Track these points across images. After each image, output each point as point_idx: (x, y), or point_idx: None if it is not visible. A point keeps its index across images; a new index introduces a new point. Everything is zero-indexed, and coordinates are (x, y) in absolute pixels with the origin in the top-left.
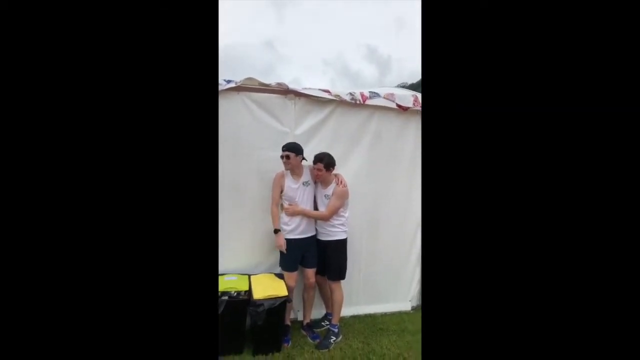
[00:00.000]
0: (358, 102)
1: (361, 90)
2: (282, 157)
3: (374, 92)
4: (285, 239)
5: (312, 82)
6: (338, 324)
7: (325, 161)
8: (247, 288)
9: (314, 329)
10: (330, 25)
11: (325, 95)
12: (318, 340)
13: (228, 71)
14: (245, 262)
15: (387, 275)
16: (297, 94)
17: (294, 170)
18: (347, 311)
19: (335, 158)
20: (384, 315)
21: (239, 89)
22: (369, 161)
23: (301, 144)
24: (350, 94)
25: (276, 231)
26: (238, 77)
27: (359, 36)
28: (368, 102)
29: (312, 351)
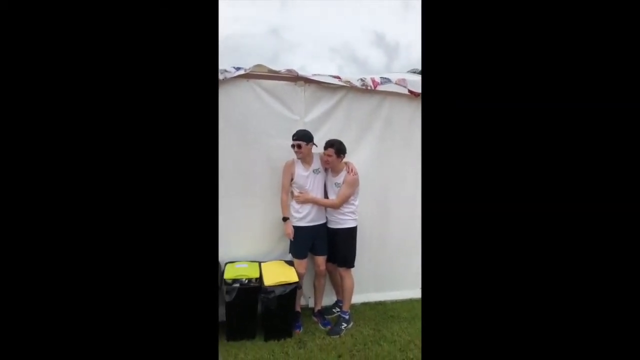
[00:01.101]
0: (369, 88)
1: (372, 76)
2: (293, 146)
3: (385, 78)
4: (296, 226)
5: (319, 70)
6: (349, 310)
7: (336, 147)
8: (258, 275)
9: (325, 316)
10: (335, 11)
11: (336, 81)
12: (329, 327)
13: (234, 59)
14: (256, 250)
15: (397, 262)
16: (307, 81)
17: (305, 158)
18: (357, 298)
19: (346, 145)
20: (395, 302)
21: (248, 76)
22: (380, 148)
23: (311, 131)
24: (361, 79)
25: (285, 219)
26: (245, 65)
27: (365, 22)
28: (379, 88)
29: (324, 337)
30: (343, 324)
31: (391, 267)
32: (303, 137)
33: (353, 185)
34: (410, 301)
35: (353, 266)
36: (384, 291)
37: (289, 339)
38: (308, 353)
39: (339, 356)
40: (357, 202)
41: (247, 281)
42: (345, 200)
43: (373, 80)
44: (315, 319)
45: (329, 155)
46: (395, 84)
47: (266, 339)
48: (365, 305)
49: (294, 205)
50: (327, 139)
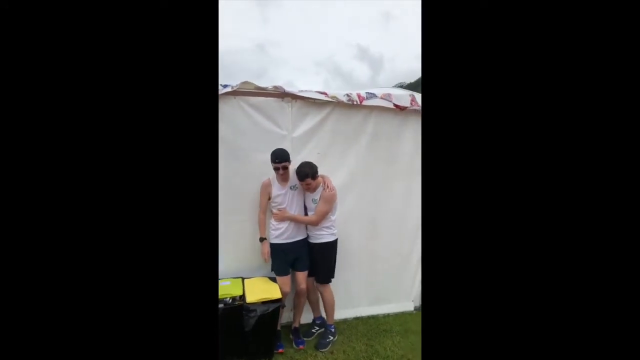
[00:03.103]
0: (355, 102)
1: (357, 91)
2: (277, 168)
3: (371, 93)
4: (275, 243)
5: (305, 84)
6: (333, 323)
7: (311, 174)
8: (241, 292)
9: (304, 336)
10: (318, 25)
11: (322, 97)
12: (302, 346)
13: (222, 76)
14: (244, 266)
15: (388, 276)
16: (294, 97)
17: (282, 177)
18: (349, 313)
19: (334, 159)
20: (387, 316)
21: (236, 93)
22: (367, 161)
23: (299, 146)
24: (347, 95)
25: (262, 239)
26: (232, 82)
27: (348, 36)
28: (365, 102)
29: (315, 354)
30: (329, 337)
31: (382, 280)
32: (287, 158)
33: (330, 201)
34: (403, 314)
35: (331, 280)
36: (376, 305)
37: (280, 357)
38: None
39: None
40: (334, 217)
41: (230, 300)
42: (323, 217)
43: (359, 95)
44: (291, 336)
45: (308, 184)
46: (381, 98)
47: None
48: (358, 319)
49: (273, 222)
50: (314, 154)
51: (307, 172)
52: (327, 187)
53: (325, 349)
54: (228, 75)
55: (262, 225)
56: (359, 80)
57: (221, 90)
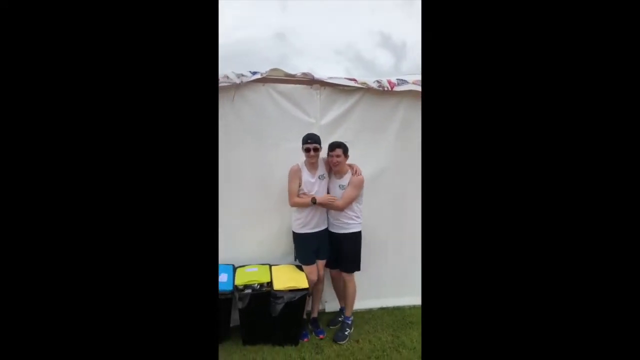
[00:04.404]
0: (386, 89)
1: (388, 78)
2: (308, 149)
3: (402, 80)
4: (301, 233)
5: (327, 73)
6: (352, 316)
7: (343, 147)
8: (269, 279)
9: (330, 325)
10: (337, 13)
11: (352, 83)
12: (322, 336)
13: (240, 65)
14: (270, 253)
15: (414, 267)
16: (323, 84)
17: (312, 164)
18: (375, 303)
19: (362, 147)
20: (413, 307)
21: (264, 80)
22: (396, 151)
23: (327, 134)
24: (377, 81)
25: (314, 200)
26: (257, 70)
27: (370, 23)
28: (396, 88)
29: (341, 343)
30: (347, 329)
31: (408, 271)
32: (319, 141)
33: (358, 187)
34: None
35: (359, 270)
36: (402, 296)
37: (306, 343)
38: (325, 359)
39: None
40: (361, 206)
41: (258, 286)
42: (350, 202)
43: (389, 82)
44: (310, 326)
45: (338, 156)
46: (413, 83)
47: (273, 345)
48: (383, 310)
49: (295, 213)
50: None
51: (340, 143)
52: (356, 172)
53: (343, 342)
54: (248, 64)
55: (301, 202)
56: (381, 68)
57: (250, 77)
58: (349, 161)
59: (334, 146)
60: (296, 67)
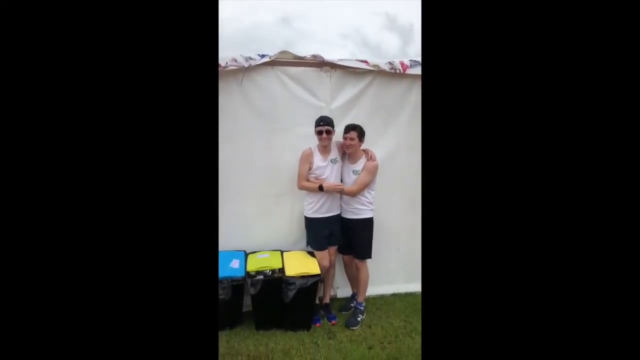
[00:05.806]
0: (398, 71)
1: (401, 59)
2: (320, 132)
3: (415, 61)
4: (313, 218)
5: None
6: (364, 302)
7: (358, 130)
8: (280, 265)
9: (342, 310)
10: None
11: (363, 65)
12: (334, 321)
13: (247, 50)
14: (282, 239)
15: None
16: (333, 66)
17: (325, 147)
18: (387, 289)
19: (374, 132)
20: None
21: (274, 63)
22: (409, 135)
23: (337, 118)
24: (390, 63)
25: (320, 187)
26: (265, 53)
27: (375, 5)
28: (409, 71)
29: (353, 328)
30: (359, 315)
31: (420, 257)
32: (331, 123)
33: (373, 172)
34: None
35: (370, 257)
36: (414, 282)
37: (319, 328)
38: (338, 344)
39: (370, 347)
40: (374, 192)
41: (270, 272)
42: (363, 188)
43: (402, 64)
44: (322, 312)
45: (352, 139)
46: None
47: (285, 330)
48: (395, 296)
49: (307, 198)
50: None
51: (355, 125)
52: (371, 157)
53: (356, 327)
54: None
55: (308, 186)
56: (388, 52)
57: (259, 61)
58: (363, 146)
59: (349, 128)
60: (301, 52)
